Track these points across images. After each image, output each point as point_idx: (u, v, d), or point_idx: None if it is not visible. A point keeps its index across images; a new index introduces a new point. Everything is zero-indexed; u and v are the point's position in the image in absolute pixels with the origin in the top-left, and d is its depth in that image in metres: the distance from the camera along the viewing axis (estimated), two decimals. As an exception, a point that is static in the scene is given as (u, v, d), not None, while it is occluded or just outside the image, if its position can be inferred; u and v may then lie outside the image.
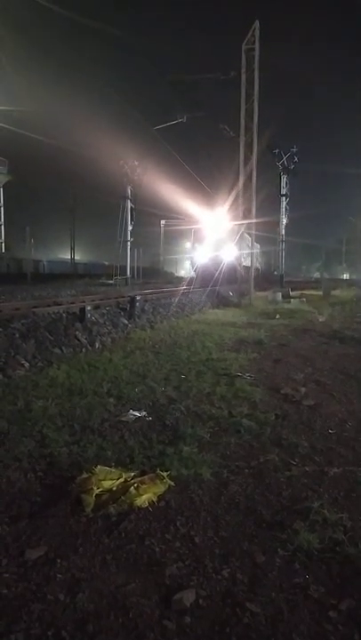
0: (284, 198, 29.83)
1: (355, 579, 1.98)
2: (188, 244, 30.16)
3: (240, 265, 21.90)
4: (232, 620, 1.74)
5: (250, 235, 22.15)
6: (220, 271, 22.08)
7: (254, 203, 16.42)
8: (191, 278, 24.37)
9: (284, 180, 29.41)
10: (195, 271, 25.13)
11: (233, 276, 21.45)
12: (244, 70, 16.07)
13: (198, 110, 23.24)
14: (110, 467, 2.89)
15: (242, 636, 1.66)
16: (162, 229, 45.24)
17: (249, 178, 16.35)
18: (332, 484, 2.87)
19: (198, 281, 22.25)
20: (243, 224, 20.72)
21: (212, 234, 24.37)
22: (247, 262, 23.38)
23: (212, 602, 1.83)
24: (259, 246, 33.03)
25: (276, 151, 28.46)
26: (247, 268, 21.47)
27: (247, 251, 23.32)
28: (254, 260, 24.84)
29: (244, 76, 16.07)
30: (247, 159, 16.41)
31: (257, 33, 15.73)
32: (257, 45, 15.73)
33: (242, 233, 21.15)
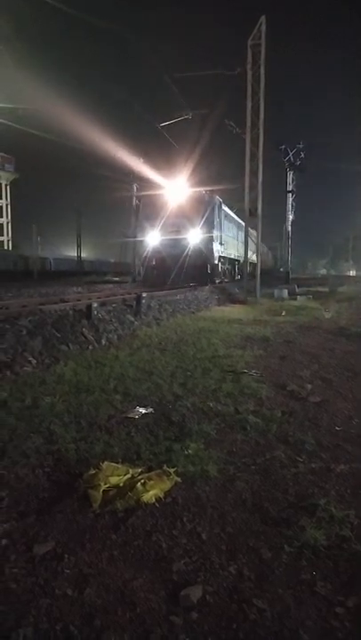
0: (290, 195, 29.68)
1: (362, 576, 1.98)
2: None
3: (212, 255, 17.39)
4: (239, 617, 1.74)
5: (255, 230, 18.67)
6: (183, 263, 16.96)
7: (260, 200, 16.33)
8: (143, 273, 19.34)
9: (290, 176, 29.26)
10: (143, 265, 19.38)
11: (202, 271, 17.22)
12: (249, 66, 15.97)
13: (204, 107, 21.55)
14: (117, 463, 2.91)
15: (249, 632, 1.67)
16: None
17: (255, 175, 16.26)
18: (338, 480, 2.86)
19: (149, 279, 17.96)
20: (213, 191, 17.95)
21: (170, 207, 17.85)
22: (228, 253, 20.35)
23: (219, 598, 1.84)
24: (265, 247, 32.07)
25: (283, 147, 28.31)
26: (254, 265, 18.68)
27: (253, 247, 21.16)
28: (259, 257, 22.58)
29: (249, 72, 15.98)
30: (253, 156, 16.32)
31: (263, 28, 15.62)
32: (263, 41, 15.62)
33: (245, 227, 17.75)
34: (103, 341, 7.30)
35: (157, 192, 19.10)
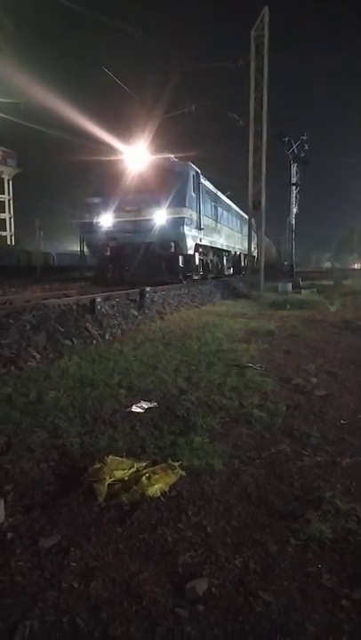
0: (294, 187, 29.51)
1: (368, 568, 1.97)
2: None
3: (184, 242, 13.36)
4: (245, 609, 1.74)
5: (258, 223, 17.73)
6: (148, 253, 13.19)
7: (264, 193, 16.23)
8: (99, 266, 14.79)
9: (293, 168, 29.06)
10: (94, 255, 14.65)
11: (172, 263, 13.52)
12: (253, 58, 15.83)
13: (206, 99, 20.49)
14: (122, 457, 2.91)
15: (255, 625, 1.67)
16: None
17: (258, 168, 16.16)
18: (344, 474, 2.85)
19: (103, 274, 14.13)
20: (188, 159, 14.16)
21: (129, 179, 13.52)
22: (211, 240, 17.19)
23: (225, 590, 1.84)
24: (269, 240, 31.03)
25: (286, 139, 28.10)
26: (252, 258, 18.07)
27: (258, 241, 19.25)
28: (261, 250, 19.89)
29: (253, 64, 15.83)
30: (257, 149, 16.21)
31: (266, 19, 15.45)
32: (266, 32, 15.46)
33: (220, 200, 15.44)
34: (107, 336, 7.30)
35: (110, 158, 14.45)
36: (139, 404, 4.06)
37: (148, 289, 10.28)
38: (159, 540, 2.16)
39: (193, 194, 14.65)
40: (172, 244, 13.21)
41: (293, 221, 30.37)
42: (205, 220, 16.39)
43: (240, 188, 19.77)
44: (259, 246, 19.44)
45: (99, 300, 8.25)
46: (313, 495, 2.55)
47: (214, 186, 19.47)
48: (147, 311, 9.56)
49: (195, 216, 14.83)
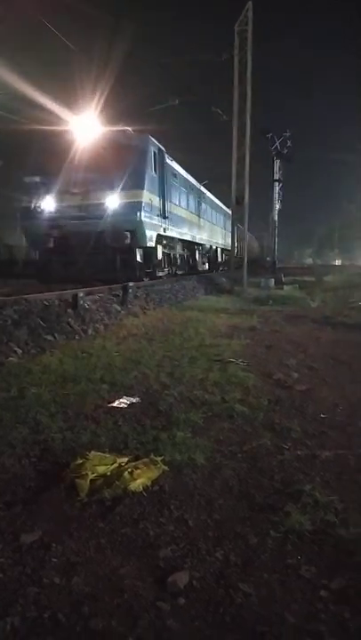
0: (277, 184, 29.63)
1: (346, 559, 2.02)
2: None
3: (142, 231, 11.09)
4: (225, 601, 1.77)
5: (242, 225, 17.41)
6: (100, 245, 10.83)
7: (247, 189, 16.28)
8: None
9: (277, 164, 29.17)
10: (33, 243, 12.22)
11: (128, 257, 11.19)
12: (236, 52, 15.82)
13: (190, 93, 20.08)
14: (104, 452, 2.91)
15: (235, 616, 1.70)
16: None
17: (242, 163, 16.20)
18: (323, 467, 2.90)
19: (44, 269, 11.50)
20: (147, 133, 11.78)
21: (75, 155, 11.05)
22: (180, 232, 15.00)
23: (206, 583, 1.86)
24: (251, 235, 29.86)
25: (270, 135, 28.18)
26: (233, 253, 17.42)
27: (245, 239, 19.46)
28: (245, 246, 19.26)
29: (236, 58, 15.82)
30: (240, 144, 16.24)
31: (250, 14, 15.45)
32: (250, 27, 15.46)
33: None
34: (90, 331, 7.26)
35: (52, 130, 11.76)
36: (121, 400, 4.05)
37: (131, 283, 10.15)
38: (141, 534, 2.17)
39: (154, 174, 12.24)
40: (128, 235, 10.90)
41: (276, 217, 30.54)
42: (173, 208, 14.16)
43: (223, 183, 19.43)
44: (241, 241, 19.04)
45: (81, 294, 8.18)
46: (293, 488, 2.59)
47: (195, 177, 18.36)
48: (130, 306, 9.52)
49: (157, 201, 12.49)
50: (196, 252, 19.40)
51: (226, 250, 26.14)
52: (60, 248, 11.24)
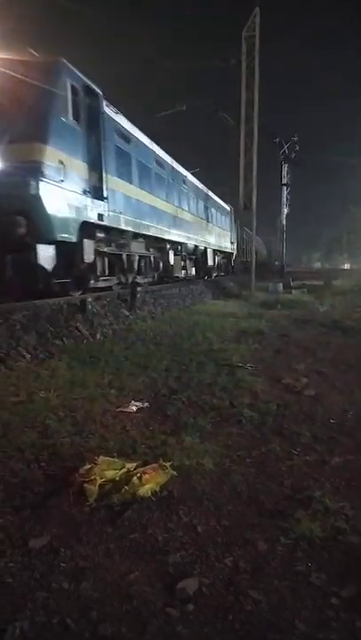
0: (285, 188, 29.65)
1: (357, 566, 2.00)
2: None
3: (45, 217, 6.78)
4: (235, 608, 1.75)
5: (250, 229, 16.76)
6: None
7: (255, 194, 16.29)
8: None
9: (285, 169, 29.20)
10: None
11: (22, 259, 6.80)
12: (244, 58, 15.89)
13: (199, 99, 18.92)
14: (113, 457, 2.90)
15: (245, 623, 1.68)
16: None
17: (249, 169, 16.22)
18: (333, 473, 2.88)
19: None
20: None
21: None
22: (137, 222, 10.57)
23: (215, 590, 1.85)
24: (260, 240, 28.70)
25: (277, 140, 28.22)
26: (230, 255, 17.05)
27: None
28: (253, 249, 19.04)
29: (244, 64, 15.90)
30: (247, 149, 16.27)
31: (257, 20, 15.53)
32: (257, 33, 15.54)
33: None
34: (98, 336, 7.28)
35: None
36: (130, 404, 4.05)
37: (139, 288, 10.09)
38: (150, 539, 2.17)
39: (75, 125, 7.87)
40: (20, 220, 6.73)
41: (284, 221, 30.52)
42: (121, 187, 9.87)
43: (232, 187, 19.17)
44: (248, 244, 18.49)
45: (89, 299, 8.22)
46: (303, 494, 2.57)
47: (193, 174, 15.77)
48: (138, 311, 9.55)
49: (83, 169, 8.13)
50: (170, 252, 14.37)
51: (221, 252, 22.19)
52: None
